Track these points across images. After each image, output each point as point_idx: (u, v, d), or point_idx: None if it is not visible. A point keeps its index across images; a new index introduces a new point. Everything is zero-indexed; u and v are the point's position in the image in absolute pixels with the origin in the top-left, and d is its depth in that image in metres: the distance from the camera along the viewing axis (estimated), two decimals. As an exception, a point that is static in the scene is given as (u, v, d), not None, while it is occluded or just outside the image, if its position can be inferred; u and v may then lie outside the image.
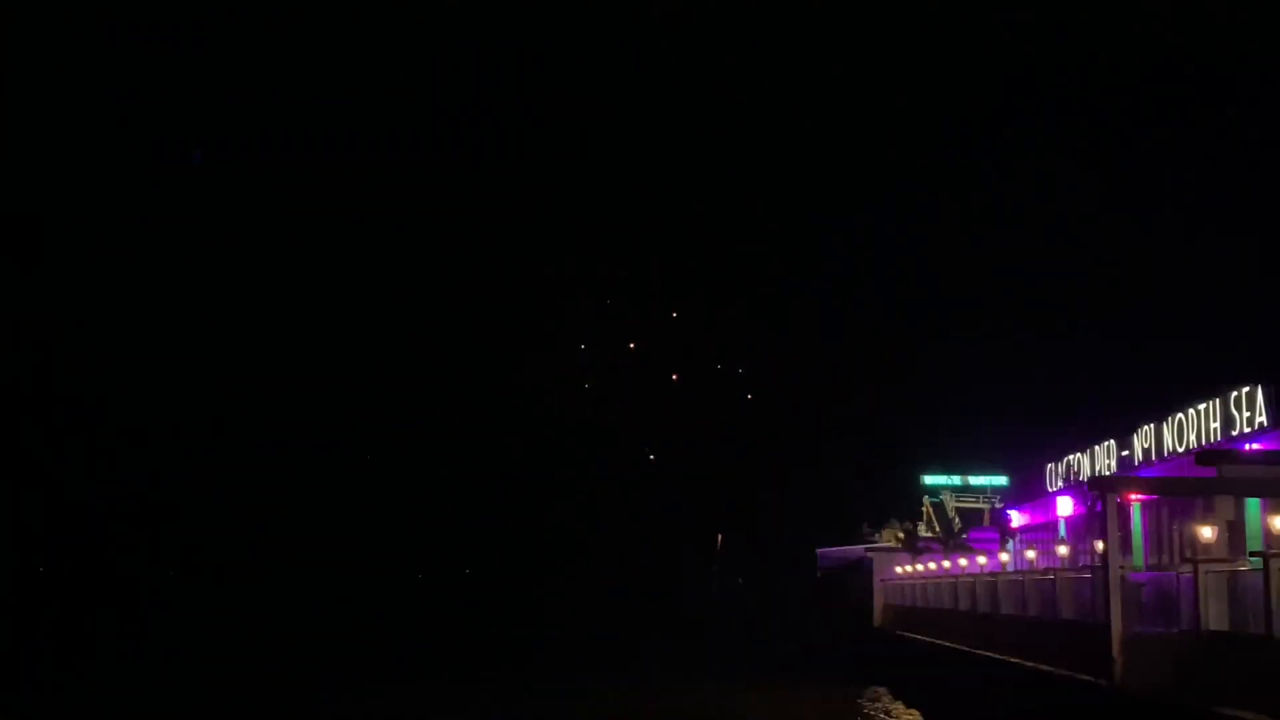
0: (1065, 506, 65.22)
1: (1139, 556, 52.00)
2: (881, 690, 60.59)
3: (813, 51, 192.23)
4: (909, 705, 55.17)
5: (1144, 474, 52.92)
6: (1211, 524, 42.57)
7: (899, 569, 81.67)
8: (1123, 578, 33.89)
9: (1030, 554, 63.58)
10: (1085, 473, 61.86)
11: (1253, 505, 42.22)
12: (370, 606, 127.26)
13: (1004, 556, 70.45)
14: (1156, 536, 52.94)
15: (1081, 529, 58.91)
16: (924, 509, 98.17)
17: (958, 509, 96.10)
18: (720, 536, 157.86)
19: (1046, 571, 46.72)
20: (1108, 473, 57.58)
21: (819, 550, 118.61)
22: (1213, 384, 48.50)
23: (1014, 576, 51.15)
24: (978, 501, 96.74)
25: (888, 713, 54.97)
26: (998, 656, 44.49)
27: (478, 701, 61.54)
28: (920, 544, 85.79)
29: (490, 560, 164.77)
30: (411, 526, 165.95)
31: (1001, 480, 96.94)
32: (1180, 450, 50.20)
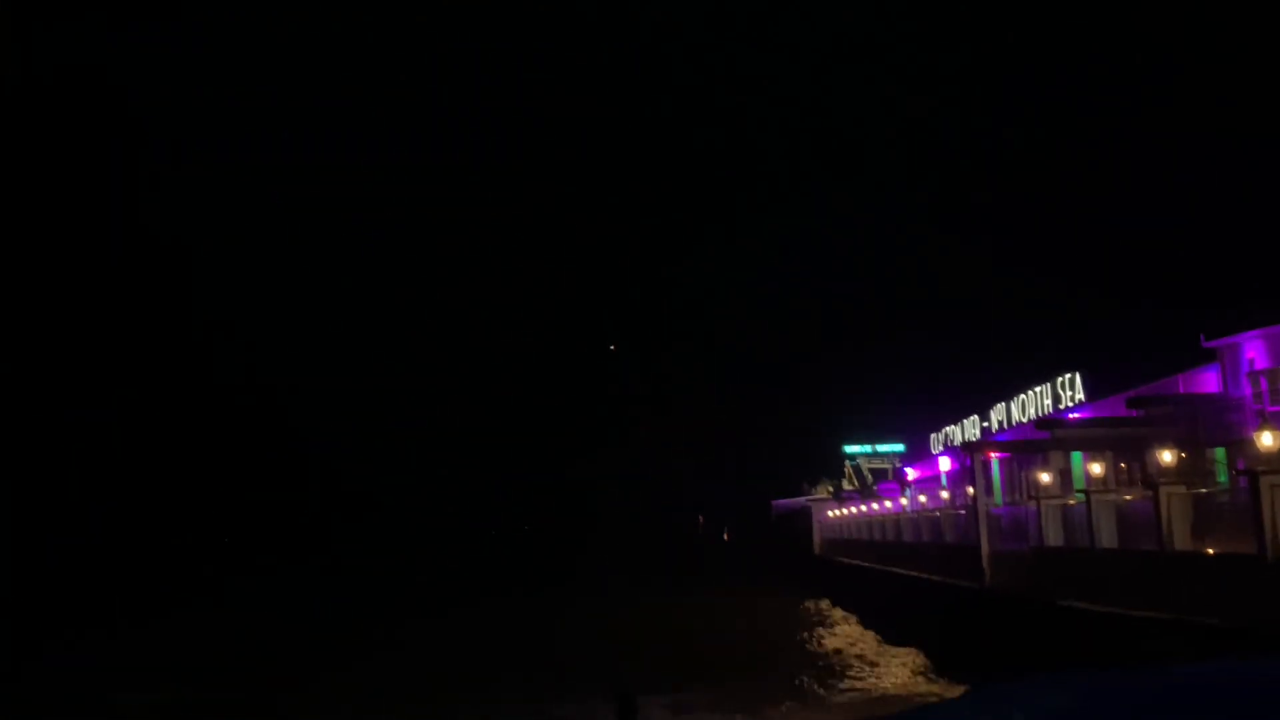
0: (945, 463, 65.19)
1: (998, 496, 51.93)
2: (819, 597, 60.53)
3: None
4: (838, 605, 55.13)
5: (999, 438, 52.94)
6: (1048, 471, 42.64)
7: (830, 513, 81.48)
8: (988, 512, 33.96)
9: (922, 498, 63.54)
10: (958, 439, 61.81)
11: (1076, 457, 42.32)
12: (462, 552, 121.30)
13: (904, 501, 70.42)
14: (1010, 481, 52.90)
15: (957, 479, 58.90)
16: (846, 469, 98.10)
17: (870, 469, 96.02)
18: (701, 518, 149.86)
19: (934, 510, 46.78)
20: (974, 439, 57.59)
21: (773, 501, 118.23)
22: (1045, 372, 48.62)
23: (912, 515, 51.18)
24: (884, 463, 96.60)
25: (822, 609, 55.02)
26: (901, 571, 44.44)
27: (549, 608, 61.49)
28: (844, 495, 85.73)
29: (546, 520, 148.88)
30: (488, 498, 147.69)
31: (900, 447, 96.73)
32: (1024, 420, 50.21)
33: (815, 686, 32.58)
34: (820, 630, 47.36)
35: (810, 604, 59.08)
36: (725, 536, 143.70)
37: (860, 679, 34.18)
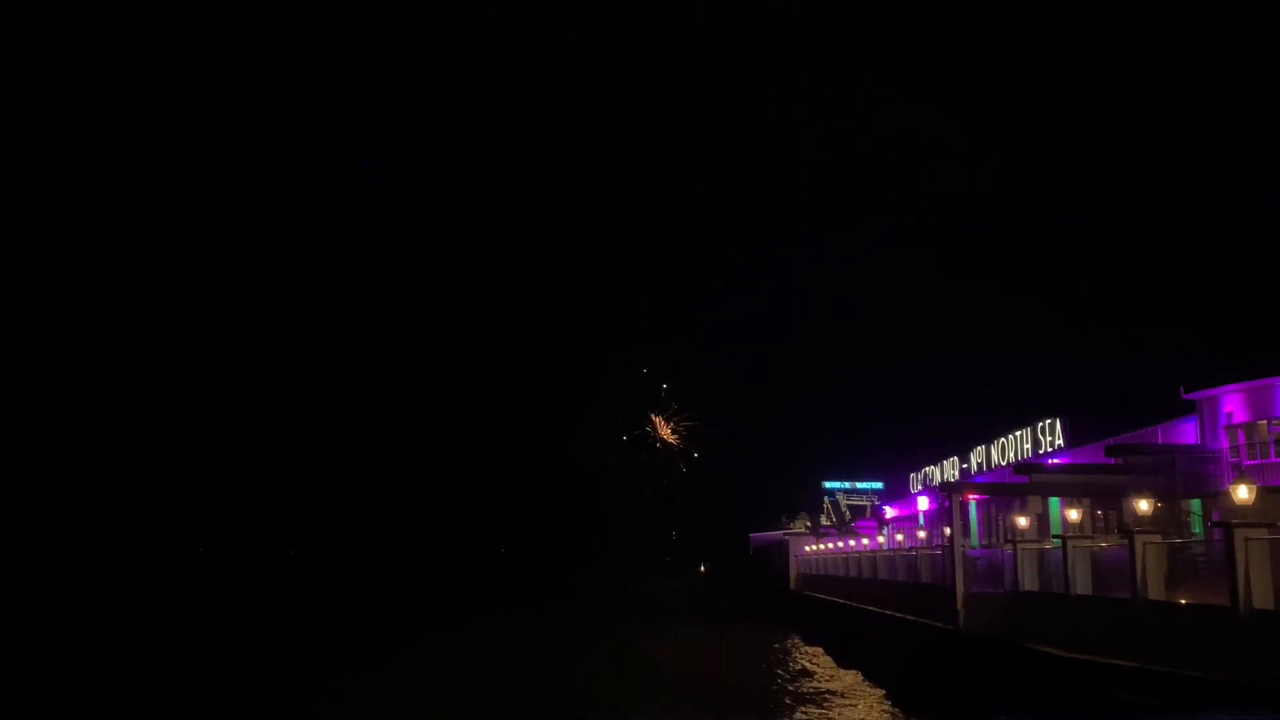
0: (923, 503, 65.14)
1: (975, 538, 52.05)
2: (793, 634, 60.30)
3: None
4: (811, 643, 54.90)
5: (978, 480, 53.09)
6: (1026, 515, 42.89)
7: (807, 548, 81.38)
8: (964, 553, 33.96)
9: (899, 537, 63.66)
10: (937, 479, 61.97)
11: (1054, 502, 42.51)
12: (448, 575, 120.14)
13: (881, 539, 70.41)
14: (988, 524, 53.08)
15: (935, 519, 58.91)
16: (825, 505, 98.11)
17: (848, 505, 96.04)
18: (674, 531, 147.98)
19: (911, 549, 46.72)
20: (953, 479, 57.73)
21: (750, 534, 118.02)
22: (1026, 417, 48.89)
23: (888, 553, 51.13)
24: (862, 500, 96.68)
25: (796, 646, 54.80)
26: (876, 610, 44.33)
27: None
28: (822, 530, 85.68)
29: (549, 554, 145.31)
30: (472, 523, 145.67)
31: (878, 485, 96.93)
32: (1003, 463, 50.41)
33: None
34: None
35: (780, 637, 58.77)
36: (701, 569, 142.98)
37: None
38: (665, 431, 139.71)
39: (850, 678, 41.82)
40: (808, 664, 48.03)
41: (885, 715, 33.30)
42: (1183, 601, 21.35)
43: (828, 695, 37.74)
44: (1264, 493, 27.00)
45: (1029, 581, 28.61)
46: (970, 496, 48.97)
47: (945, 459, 61.27)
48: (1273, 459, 32.61)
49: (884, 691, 36.55)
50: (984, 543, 51.10)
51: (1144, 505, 30.99)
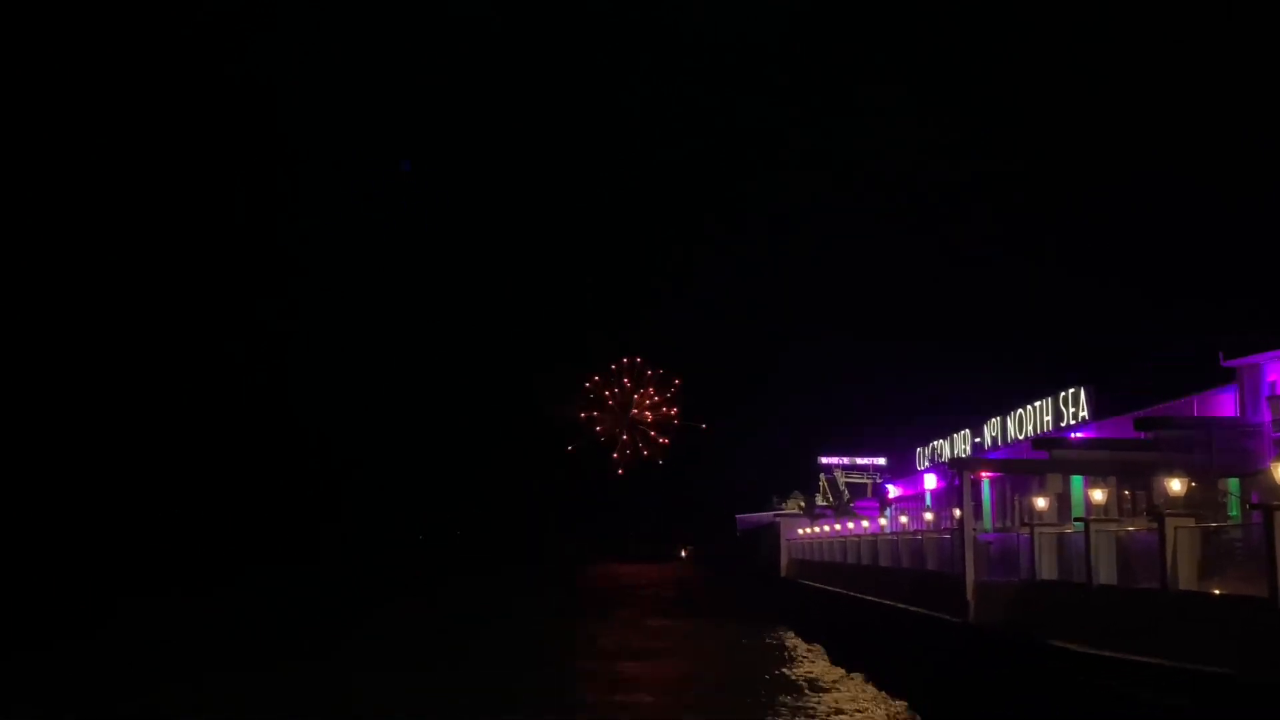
0: (931, 481, 65.71)
1: (988, 521, 52.39)
2: (785, 629, 60.73)
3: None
4: (807, 640, 55.29)
5: (992, 456, 53.29)
6: (1045, 496, 43.10)
7: (801, 531, 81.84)
8: (975, 538, 34.08)
9: (903, 519, 63.97)
10: (946, 455, 62.19)
11: (1076, 481, 42.74)
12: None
13: (883, 521, 70.91)
14: (1001, 505, 53.38)
15: (943, 499, 59.34)
16: (820, 482, 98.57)
17: (847, 483, 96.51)
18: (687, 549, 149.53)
19: (916, 533, 46.92)
20: (964, 455, 57.97)
21: (738, 516, 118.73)
22: (1047, 387, 48.97)
23: (891, 537, 51.34)
24: (863, 477, 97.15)
25: (789, 643, 55.22)
26: (877, 600, 44.57)
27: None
28: (817, 511, 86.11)
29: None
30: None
31: (881, 460, 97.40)
32: (1021, 438, 50.58)
33: None
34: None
35: (771, 633, 59.12)
36: (683, 553, 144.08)
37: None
38: (643, 415, 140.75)
39: (851, 680, 42.13)
40: (805, 664, 48.41)
41: None
42: (1216, 592, 21.47)
43: (829, 704, 37.99)
44: (1309, 471, 27.16)
45: (1047, 569, 28.74)
46: (983, 474, 49.15)
47: (956, 432, 61.47)
48: (1319, 434, 32.84)
49: (887, 694, 36.83)
50: (997, 526, 51.42)
51: (1176, 485, 31.15)
